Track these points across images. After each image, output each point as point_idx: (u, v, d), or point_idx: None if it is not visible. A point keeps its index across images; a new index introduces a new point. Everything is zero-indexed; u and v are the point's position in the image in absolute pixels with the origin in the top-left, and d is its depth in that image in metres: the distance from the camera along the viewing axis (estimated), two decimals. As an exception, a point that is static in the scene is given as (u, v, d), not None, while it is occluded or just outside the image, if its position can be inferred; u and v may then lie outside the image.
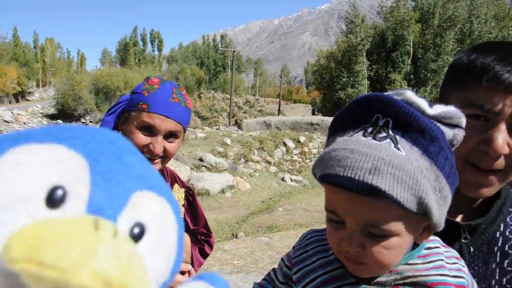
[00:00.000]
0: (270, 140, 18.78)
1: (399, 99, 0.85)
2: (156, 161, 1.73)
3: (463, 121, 0.92)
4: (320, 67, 55.49)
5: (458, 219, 1.22)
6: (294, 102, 56.55)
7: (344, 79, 46.93)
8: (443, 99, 1.21)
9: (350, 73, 46.81)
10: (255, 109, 53.30)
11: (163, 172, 2.01)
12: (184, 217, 1.96)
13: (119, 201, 0.47)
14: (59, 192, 0.42)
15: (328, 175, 0.82)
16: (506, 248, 1.17)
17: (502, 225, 1.20)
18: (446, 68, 1.27)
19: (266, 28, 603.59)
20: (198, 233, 2.00)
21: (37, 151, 0.44)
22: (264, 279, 1.21)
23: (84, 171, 0.45)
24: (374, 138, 0.82)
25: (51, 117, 49.10)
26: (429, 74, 43.24)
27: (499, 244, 1.18)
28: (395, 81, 43.23)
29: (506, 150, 1.05)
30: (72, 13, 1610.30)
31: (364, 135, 0.84)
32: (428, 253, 0.95)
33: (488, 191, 1.13)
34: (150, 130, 1.68)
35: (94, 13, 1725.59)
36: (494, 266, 1.16)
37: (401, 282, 0.91)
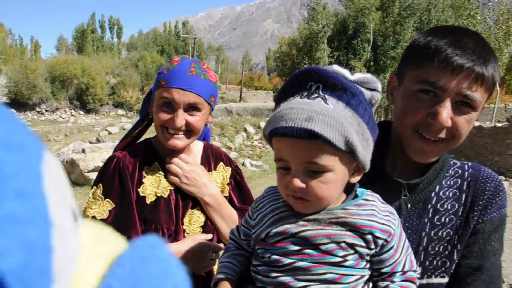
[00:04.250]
0: (231, 126, 18.59)
1: (327, 69, 1.08)
2: (179, 136, 1.77)
3: (378, 85, 1.18)
4: (281, 54, 55.33)
5: (401, 179, 1.36)
6: (256, 89, 55.97)
7: (305, 66, 47.00)
8: (399, 75, 1.35)
9: (311, 60, 46.94)
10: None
11: (208, 150, 2.07)
12: (230, 195, 2.04)
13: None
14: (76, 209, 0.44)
15: (275, 129, 1.03)
16: (438, 206, 1.36)
17: (438, 186, 1.39)
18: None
19: (228, 15, 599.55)
20: (245, 210, 1.95)
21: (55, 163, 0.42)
22: (231, 238, 1.41)
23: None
24: (308, 98, 1.04)
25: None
26: (388, 61, 43.83)
27: (433, 202, 1.37)
28: (355, 68, 43.67)
29: (449, 123, 1.21)
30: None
31: (301, 98, 1.06)
32: (364, 203, 1.14)
33: (432, 158, 1.32)
34: (170, 105, 1.72)
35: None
36: (426, 221, 1.36)
37: (334, 221, 1.10)
